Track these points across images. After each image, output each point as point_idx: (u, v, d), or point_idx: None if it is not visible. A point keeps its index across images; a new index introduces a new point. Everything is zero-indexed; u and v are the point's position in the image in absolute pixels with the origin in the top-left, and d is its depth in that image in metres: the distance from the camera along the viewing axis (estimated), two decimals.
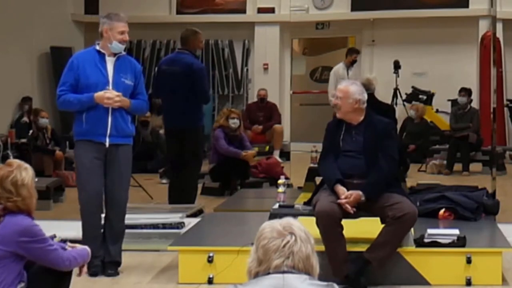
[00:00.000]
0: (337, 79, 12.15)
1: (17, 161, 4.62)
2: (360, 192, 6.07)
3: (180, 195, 9.01)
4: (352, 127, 6.29)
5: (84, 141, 6.52)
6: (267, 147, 13.16)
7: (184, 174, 9.07)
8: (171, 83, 8.92)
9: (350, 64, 13.30)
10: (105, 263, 6.59)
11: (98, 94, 6.42)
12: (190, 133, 8.97)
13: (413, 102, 14.53)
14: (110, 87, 6.48)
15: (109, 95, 6.42)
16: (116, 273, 6.60)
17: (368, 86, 8.15)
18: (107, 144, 6.48)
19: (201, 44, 9.46)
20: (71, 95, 6.48)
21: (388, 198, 6.09)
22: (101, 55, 6.53)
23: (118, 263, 6.67)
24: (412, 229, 6.50)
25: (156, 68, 9.38)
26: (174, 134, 9.06)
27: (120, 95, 6.47)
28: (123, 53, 6.64)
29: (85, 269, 4.85)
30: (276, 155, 12.78)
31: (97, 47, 6.57)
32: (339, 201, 6.05)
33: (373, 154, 6.20)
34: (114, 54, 6.55)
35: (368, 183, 6.13)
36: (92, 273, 6.46)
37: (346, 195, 6.06)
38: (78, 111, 6.54)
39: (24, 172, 4.48)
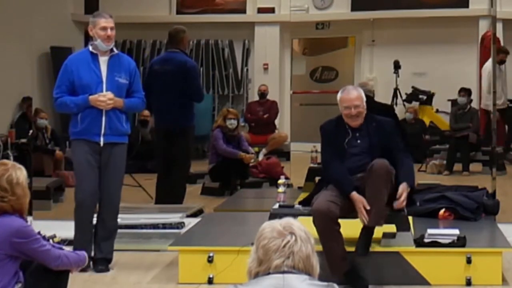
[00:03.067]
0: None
1: (10, 161, 4.63)
2: (405, 185, 6.08)
3: (167, 195, 8.98)
4: (355, 130, 6.30)
5: (80, 140, 6.62)
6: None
7: (173, 174, 9.04)
8: (164, 83, 8.86)
9: (499, 63, 13.46)
10: (96, 259, 6.62)
11: (92, 97, 6.50)
12: (181, 133, 8.94)
13: (413, 103, 14.52)
14: (104, 86, 6.53)
15: (102, 98, 6.49)
16: (106, 269, 6.65)
17: (365, 88, 8.13)
18: (101, 143, 6.57)
19: (188, 43, 9.47)
20: (67, 98, 6.56)
21: None
22: (94, 56, 6.61)
23: (109, 260, 6.71)
24: (412, 229, 6.51)
25: (147, 69, 9.34)
26: (165, 134, 8.98)
27: (113, 97, 6.52)
28: (115, 51, 6.67)
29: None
30: (261, 154, 12.62)
31: (90, 48, 6.65)
32: (396, 205, 6.04)
33: (379, 153, 6.21)
34: (108, 53, 6.58)
35: (405, 172, 6.15)
36: (82, 269, 6.47)
37: (400, 193, 6.03)
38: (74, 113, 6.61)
39: (19, 171, 4.49)
